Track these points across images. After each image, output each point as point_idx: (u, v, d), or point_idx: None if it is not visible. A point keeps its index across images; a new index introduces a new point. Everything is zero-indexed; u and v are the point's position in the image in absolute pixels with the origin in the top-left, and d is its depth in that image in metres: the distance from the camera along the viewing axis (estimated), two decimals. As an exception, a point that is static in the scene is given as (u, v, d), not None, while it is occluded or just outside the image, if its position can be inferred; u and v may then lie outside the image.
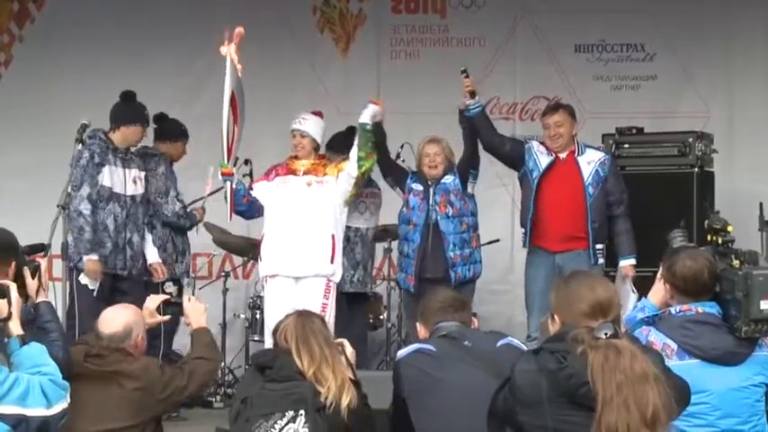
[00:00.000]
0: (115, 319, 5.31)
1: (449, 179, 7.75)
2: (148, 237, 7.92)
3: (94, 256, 7.54)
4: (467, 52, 9.62)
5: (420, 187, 7.74)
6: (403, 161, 8.53)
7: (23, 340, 3.59)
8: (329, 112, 9.47)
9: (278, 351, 4.80)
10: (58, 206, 6.84)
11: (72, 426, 4.15)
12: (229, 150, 7.18)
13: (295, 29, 9.78)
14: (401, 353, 5.05)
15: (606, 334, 3.73)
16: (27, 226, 8.83)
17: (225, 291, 8.96)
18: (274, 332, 4.94)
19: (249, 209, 7.54)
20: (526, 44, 9.64)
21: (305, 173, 7.49)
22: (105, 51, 9.66)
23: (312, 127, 7.62)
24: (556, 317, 3.96)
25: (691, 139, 8.52)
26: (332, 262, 7.36)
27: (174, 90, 9.75)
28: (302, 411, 4.59)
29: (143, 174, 7.81)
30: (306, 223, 7.35)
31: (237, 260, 9.50)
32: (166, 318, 5.69)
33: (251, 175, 8.70)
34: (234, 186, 7.28)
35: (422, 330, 5.13)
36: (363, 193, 8.16)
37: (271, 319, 7.37)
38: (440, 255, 7.63)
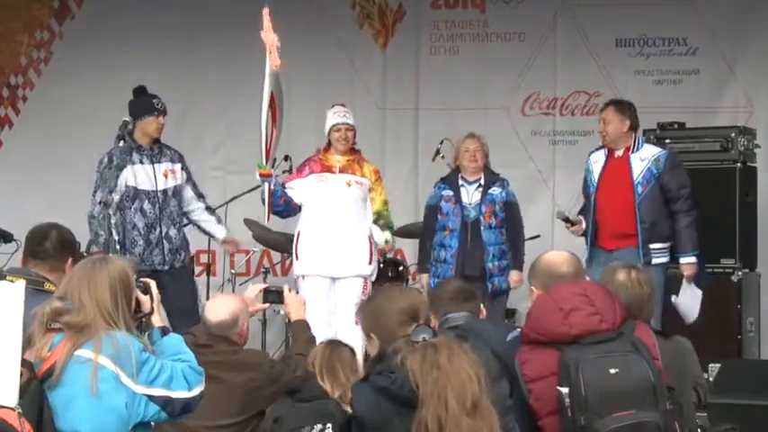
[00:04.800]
0: (222, 307, 5.36)
1: (496, 191, 7.80)
2: (210, 218, 7.87)
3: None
4: (506, 47, 9.59)
5: (450, 192, 7.81)
6: (443, 158, 8.52)
7: (163, 331, 3.93)
8: (368, 107, 9.52)
9: (307, 376, 5.00)
10: (99, 203, 6.87)
11: (185, 422, 4.31)
12: (268, 152, 7.18)
13: (334, 23, 9.77)
14: None
15: (424, 338, 3.86)
16: (69, 222, 8.98)
17: (265, 287, 8.96)
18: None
19: (286, 209, 7.56)
20: (566, 39, 9.58)
21: (341, 170, 7.49)
22: (146, 48, 9.68)
23: (353, 119, 7.64)
24: (372, 335, 4.07)
25: (733, 134, 8.45)
26: (370, 263, 7.42)
27: (217, 87, 9.78)
28: (329, 425, 4.77)
29: (177, 165, 7.75)
30: (345, 223, 7.38)
31: (276, 257, 9.50)
32: (266, 305, 5.78)
33: (291, 170, 8.72)
34: (272, 187, 7.29)
35: (432, 320, 5.18)
36: None
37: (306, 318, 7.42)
38: (479, 255, 7.69)
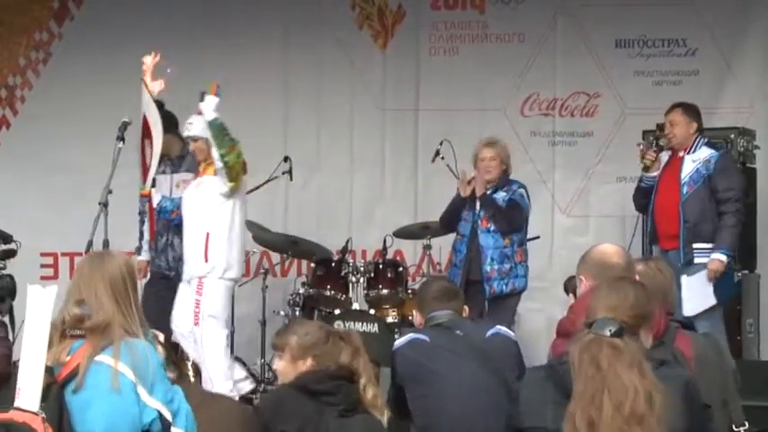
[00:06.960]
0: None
1: (501, 195, 7.77)
2: None
3: (140, 257, 7.94)
4: (506, 48, 9.59)
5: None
6: (442, 158, 8.51)
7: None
8: (367, 108, 9.51)
9: (333, 376, 4.54)
10: (99, 204, 6.86)
11: None
12: (145, 173, 7.21)
13: (334, 24, 9.76)
14: (398, 342, 5.31)
15: (610, 330, 3.69)
16: (68, 221, 8.99)
17: (264, 288, 8.96)
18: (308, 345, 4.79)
19: (182, 221, 7.61)
20: (566, 39, 9.57)
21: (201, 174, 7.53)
22: (146, 48, 9.64)
23: (199, 128, 7.40)
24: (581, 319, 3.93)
25: (732, 135, 8.48)
26: (206, 261, 7.31)
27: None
28: None
29: (192, 175, 7.72)
30: (187, 227, 7.46)
31: (275, 257, 9.49)
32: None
33: (290, 172, 8.70)
34: (154, 206, 7.46)
35: (417, 317, 5.48)
36: None
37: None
38: (478, 258, 7.71)
